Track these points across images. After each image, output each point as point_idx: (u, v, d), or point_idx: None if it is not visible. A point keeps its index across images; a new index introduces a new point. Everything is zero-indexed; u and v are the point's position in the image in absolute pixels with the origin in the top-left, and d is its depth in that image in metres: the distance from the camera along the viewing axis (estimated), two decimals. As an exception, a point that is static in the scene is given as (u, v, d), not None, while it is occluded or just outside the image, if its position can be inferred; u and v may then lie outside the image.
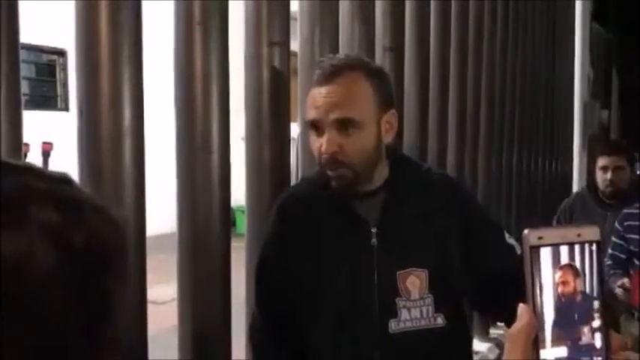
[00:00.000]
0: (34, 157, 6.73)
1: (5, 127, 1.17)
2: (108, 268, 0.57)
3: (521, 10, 3.99)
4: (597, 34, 9.23)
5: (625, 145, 3.61)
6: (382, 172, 1.48)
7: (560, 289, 0.63)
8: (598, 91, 9.51)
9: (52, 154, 7.64)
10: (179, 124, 1.56)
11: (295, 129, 1.97)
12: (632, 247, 2.95)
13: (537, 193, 4.52)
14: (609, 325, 0.64)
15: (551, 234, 0.63)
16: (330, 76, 1.38)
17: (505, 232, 1.55)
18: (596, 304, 0.64)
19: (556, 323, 0.63)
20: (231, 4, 1.60)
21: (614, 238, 3.02)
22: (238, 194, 1.73)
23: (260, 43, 1.76)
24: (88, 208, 0.57)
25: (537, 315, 0.63)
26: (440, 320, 1.43)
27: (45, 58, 9.16)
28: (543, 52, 4.64)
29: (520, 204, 3.98)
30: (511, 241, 1.52)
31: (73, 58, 1.36)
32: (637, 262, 2.90)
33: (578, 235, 0.64)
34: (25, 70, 8.50)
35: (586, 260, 0.63)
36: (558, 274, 0.63)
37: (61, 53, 8.89)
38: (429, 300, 1.42)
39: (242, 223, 1.92)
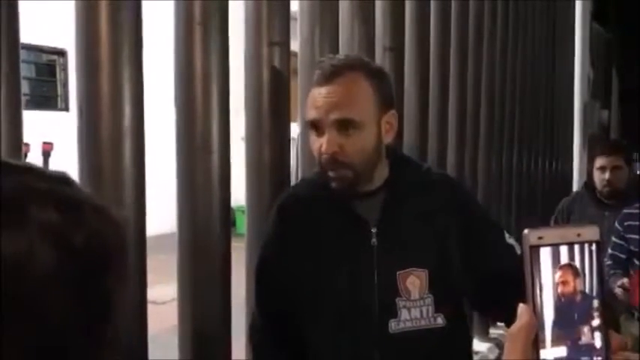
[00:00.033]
0: (34, 157, 6.73)
1: (5, 127, 1.17)
2: (108, 268, 0.57)
3: (521, 10, 3.99)
4: (597, 34, 9.23)
5: (623, 145, 3.60)
6: (382, 172, 1.48)
7: (560, 289, 0.63)
8: (598, 91, 9.51)
9: (53, 154, 7.63)
10: (179, 124, 1.56)
11: (295, 129, 1.97)
12: (632, 247, 2.94)
13: (537, 193, 4.52)
14: (609, 325, 0.64)
15: (551, 234, 0.63)
16: (330, 76, 1.38)
17: (505, 232, 1.55)
18: (595, 303, 0.64)
19: (556, 323, 0.63)
20: (231, 4, 1.60)
21: (614, 238, 3.01)
22: (238, 194, 1.73)
23: (260, 43, 1.76)
24: (88, 208, 0.57)
25: (537, 315, 0.63)
26: (440, 320, 1.43)
27: (45, 58, 9.14)
28: (543, 52, 4.64)
29: (520, 204, 3.98)
30: (511, 241, 1.52)
31: (73, 58, 1.36)
32: (637, 262, 2.90)
33: (578, 235, 0.64)
34: (25, 70, 8.49)
35: (586, 260, 0.64)
36: (558, 273, 0.63)
37: (61, 53, 8.88)
38: (429, 300, 1.42)
39: (242, 223, 1.92)
